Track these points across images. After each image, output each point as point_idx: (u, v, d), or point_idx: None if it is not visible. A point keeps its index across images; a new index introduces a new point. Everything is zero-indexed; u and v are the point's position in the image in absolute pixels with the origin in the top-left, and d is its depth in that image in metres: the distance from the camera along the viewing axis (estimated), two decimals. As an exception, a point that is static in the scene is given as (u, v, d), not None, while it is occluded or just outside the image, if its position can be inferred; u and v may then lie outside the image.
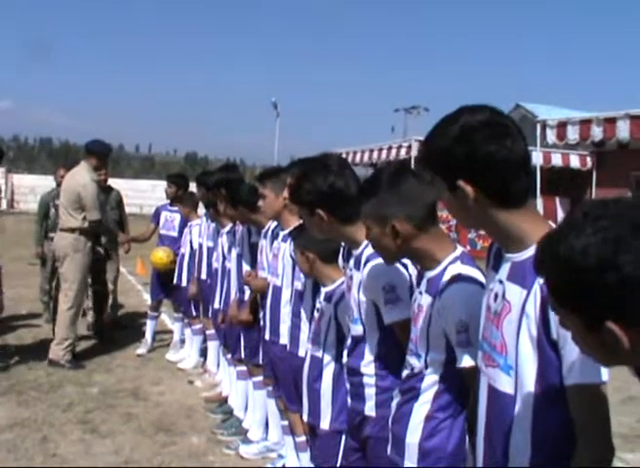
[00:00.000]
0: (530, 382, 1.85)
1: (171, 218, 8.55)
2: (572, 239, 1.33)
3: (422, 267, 2.58)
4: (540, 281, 1.74)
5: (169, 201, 8.63)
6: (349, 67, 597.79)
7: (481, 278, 2.38)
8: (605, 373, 1.75)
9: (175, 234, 8.46)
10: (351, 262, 3.14)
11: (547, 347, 1.79)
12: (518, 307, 1.86)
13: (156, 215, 8.76)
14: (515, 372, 1.88)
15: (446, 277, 2.41)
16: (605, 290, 1.28)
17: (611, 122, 13.73)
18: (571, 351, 1.73)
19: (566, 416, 1.81)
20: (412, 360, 2.55)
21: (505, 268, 1.95)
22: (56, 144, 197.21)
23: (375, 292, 2.91)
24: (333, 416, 3.64)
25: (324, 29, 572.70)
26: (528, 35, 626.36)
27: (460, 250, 2.54)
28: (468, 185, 1.91)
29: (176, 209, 8.43)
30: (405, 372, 2.61)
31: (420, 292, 2.52)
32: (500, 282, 1.96)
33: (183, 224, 8.27)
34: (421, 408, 2.49)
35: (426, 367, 2.47)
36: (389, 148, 21.89)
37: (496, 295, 1.97)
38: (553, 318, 1.74)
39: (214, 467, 5.17)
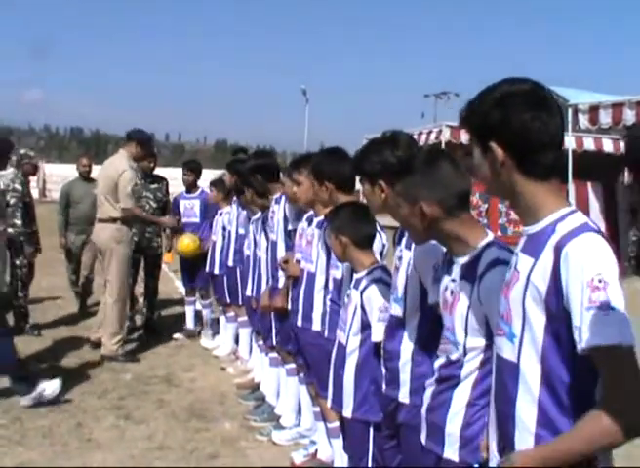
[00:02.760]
0: (538, 349, 1.89)
1: (190, 205, 8.64)
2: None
3: (452, 253, 2.54)
4: (550, 249, 1.83)
5: (185, 189, 8.73)
6: (379, 53, 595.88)
7: None
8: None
9: (197, 220, 8.57)
10: (403, 242, 3.11)
11: (558, 312, 1.83)
12: (525, 275, 1.92)
13: (176, 206, 8.80)
14: (519, 341, 1.94)
15: (483, 262, 2.38)
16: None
17: (643, 105, 13.46)
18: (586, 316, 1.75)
19: (577, 382, 1.85)
20: (448, 348, 2.51)
21: (522, 242, 2.03)
22: (86, 134, 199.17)
23: (424, 271, 2.88)
24: (355, 405, 3.63)
25: (354, 16, 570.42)
26: (556, 18, 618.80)
27: (491, 235, 2.51)
28: (499, 148, 1.98)
29: (193, 195, 8.61)
30: (439, 361, 2.57)
31: (454, 280, 2.47)
32: (516, 254, 2.03)
33: (204, 209, 8.42)
34: (462, 394, 2.46)
35: (465, 353, 2.44)
36: (420, 133, 21.67)
37: (510, 268, 2.05)
38: (564, 283, 1.80)
39: (246, 453, 5.18)
